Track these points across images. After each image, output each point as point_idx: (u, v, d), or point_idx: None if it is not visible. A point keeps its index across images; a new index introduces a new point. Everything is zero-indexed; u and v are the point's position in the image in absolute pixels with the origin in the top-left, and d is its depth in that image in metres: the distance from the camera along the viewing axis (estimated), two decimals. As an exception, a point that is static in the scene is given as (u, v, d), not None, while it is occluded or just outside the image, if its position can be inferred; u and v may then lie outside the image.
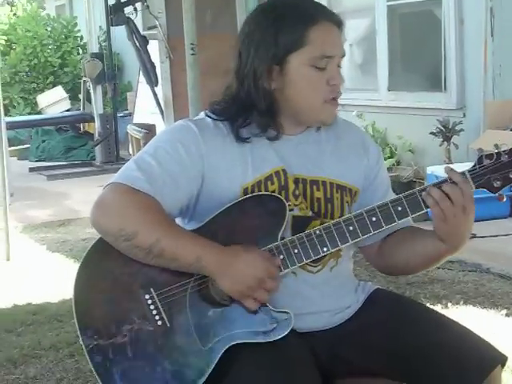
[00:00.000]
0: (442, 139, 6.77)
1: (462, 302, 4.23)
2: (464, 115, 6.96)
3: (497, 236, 5.26)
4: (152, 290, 1.92)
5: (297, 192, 2.02)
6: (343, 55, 2.04)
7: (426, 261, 2.08)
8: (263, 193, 1.98)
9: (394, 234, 2.10)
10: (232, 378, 1.85)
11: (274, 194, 1.98)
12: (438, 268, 4.80)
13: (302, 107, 2.02)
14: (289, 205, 1.97)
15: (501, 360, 1.94)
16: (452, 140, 6.73)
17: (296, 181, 2.03)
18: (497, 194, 1.95)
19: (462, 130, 6.70)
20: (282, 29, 1.98)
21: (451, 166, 2.04)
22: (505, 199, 1.95)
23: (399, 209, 1.94)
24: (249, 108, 2.02)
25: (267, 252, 1.92)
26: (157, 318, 1.91)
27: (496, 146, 1.94)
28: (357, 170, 2.12)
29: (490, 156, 1.94)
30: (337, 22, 2.03)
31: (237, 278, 1.88)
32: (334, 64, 2.01)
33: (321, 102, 2.01)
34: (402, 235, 2.09)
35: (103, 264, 1.96)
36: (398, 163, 7.49)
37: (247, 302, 1.90)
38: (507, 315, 4.02)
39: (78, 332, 1.93)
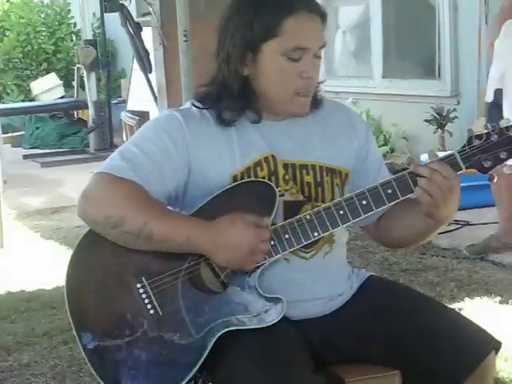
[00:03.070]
0: (436, 126, 6.77)
1: (455, 290, 4.23)
2: (458, 102, 6.96)
3: (491, 223, 5.25)
4: (143, 278, 1.92)
5: (287, 177, 2.01)
6: (322, 46, 2.00)
7: (417, 236, 2.11)
8: (252, 179, 1.98)
9: (388, 211, 2.09)
10: (225, 366, 1.85)
11: (263, 179, 1.97)
12: (432, 255, 4.82)
13: (273, 98, 2.01)
14: (279, 190, 1.97)
15: (495, 346, 1.95)
16: (446, 127, 6.73)
17: (285, 166, 2.02)
18: (487, 174, 1.94)
19: (456, 117, 6.69)
20: (258, 16, 1.96)
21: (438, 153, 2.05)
22: (495, 179, 1.93)
23: (389, 192, 1.94)
24: (225, 92, 2.01)
25: (253, 216, 1.90)
26: (149, 306, 1.91)
27: (486, 126, 1.93)
28: (346, 152, 2.11)
29: (479, 136, 1.93)
30: (318, 13, 1.99)
31: (230, 252, 1.88)
32: (309, 56, 1.97)
33: (291, 94, 1.99)
34: (393, 212, 2.09)
35: (94, 255, 1.96)
36: (392, 151, 7.49)
37: (246, 267, 1.90)
38: (501, 302, 4.03)
39: (72, 324, 1.95)
